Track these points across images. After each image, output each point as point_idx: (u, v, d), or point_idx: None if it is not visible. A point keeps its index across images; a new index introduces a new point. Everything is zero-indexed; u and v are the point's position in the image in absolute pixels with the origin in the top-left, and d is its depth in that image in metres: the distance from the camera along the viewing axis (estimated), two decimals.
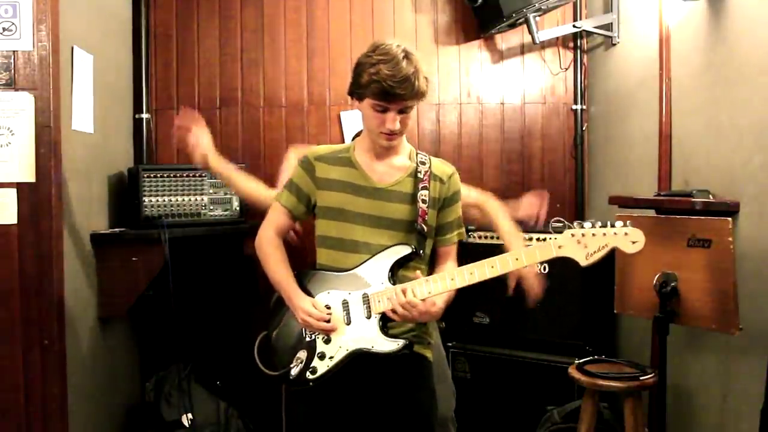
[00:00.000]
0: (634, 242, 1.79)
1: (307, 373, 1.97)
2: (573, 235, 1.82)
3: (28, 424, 2.49)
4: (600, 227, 1.81)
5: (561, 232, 1.85)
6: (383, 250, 1.98)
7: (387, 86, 1.88)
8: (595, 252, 1.81)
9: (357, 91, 1.96)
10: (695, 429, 2.55)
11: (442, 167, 2.09)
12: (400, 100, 1.91)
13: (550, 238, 1.86)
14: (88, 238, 2.95)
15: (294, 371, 1.99)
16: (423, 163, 2.05)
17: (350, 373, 1.97)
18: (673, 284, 2.23)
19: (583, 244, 1.81)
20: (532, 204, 2.77)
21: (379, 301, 1.95)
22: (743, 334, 2.07)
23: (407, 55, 1.90)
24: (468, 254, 1.97)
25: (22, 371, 2.49)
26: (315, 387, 1.97)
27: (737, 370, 2.26)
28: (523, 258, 1.86)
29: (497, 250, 1.99)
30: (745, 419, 2.17)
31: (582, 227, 1.83)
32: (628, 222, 1.81)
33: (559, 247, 1.83)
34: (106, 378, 3.11)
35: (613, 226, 1.81)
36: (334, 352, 1.97)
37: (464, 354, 3.28)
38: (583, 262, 1.82)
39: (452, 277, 1.91)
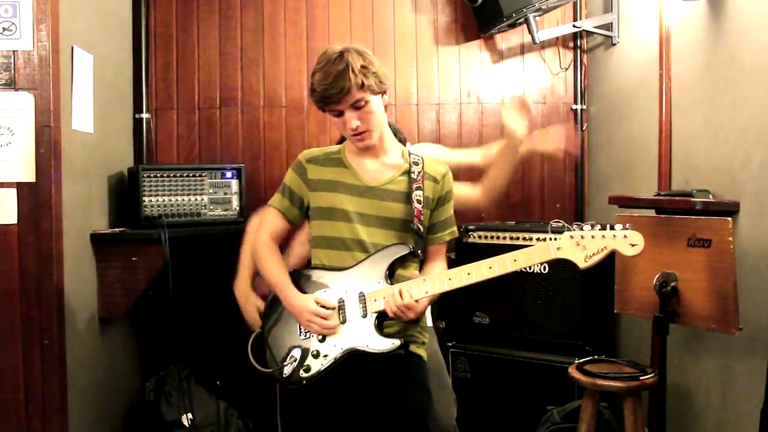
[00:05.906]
0: (633, 245, 1.78)
1: (301, 372, 1.97)
2: (572, 237, 1.81)
3: (28, 424, 2.50)
4: (599, 230, 1.80)
5: (560, 234, 1.83)
6: (381, 250, 1.96)
7: (322, 91, 1.89)
8: (594, 254, 1.79)
9: (316, 105, 1.98)
10: (695, 429, 2.54)
11: (436, 166, 2.08)
12: (341, 100, 1.90)
13: (550, 239, 1.85)
14: (88, 238, 2.95)
15: (287, 369, 1.98)
16: (416, 163, 2.04)
17: (344, 372, 1.96)
18: (673, 284, 2.22)
19: (582, 246, 1.80)
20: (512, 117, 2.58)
21: (375, 300, 1.94)
22: (743, 334, 2.07)
23: (341, 54, 1.89)
24: (468, 254, 1.97)
25: (22, 371, 2.49)
26: (309, 385, 1.96)
27: (737, 370, 2.26)
28: (522, 259, 1.85)
29: (497, 249, 1.99)
30: (745, 419, 2.17)
31: (581, 229, 1.81)
32: (627, 225, 1.79)
33: (558, 248, 1.82)
34: (106, 378, 3.11)
35: (612, 228, 1.79)
36: (328, 350, 1.96)
37: (464, 354, 3.27)
38: (582, 265, 1.81)
39: (449, 277, 1.90)
